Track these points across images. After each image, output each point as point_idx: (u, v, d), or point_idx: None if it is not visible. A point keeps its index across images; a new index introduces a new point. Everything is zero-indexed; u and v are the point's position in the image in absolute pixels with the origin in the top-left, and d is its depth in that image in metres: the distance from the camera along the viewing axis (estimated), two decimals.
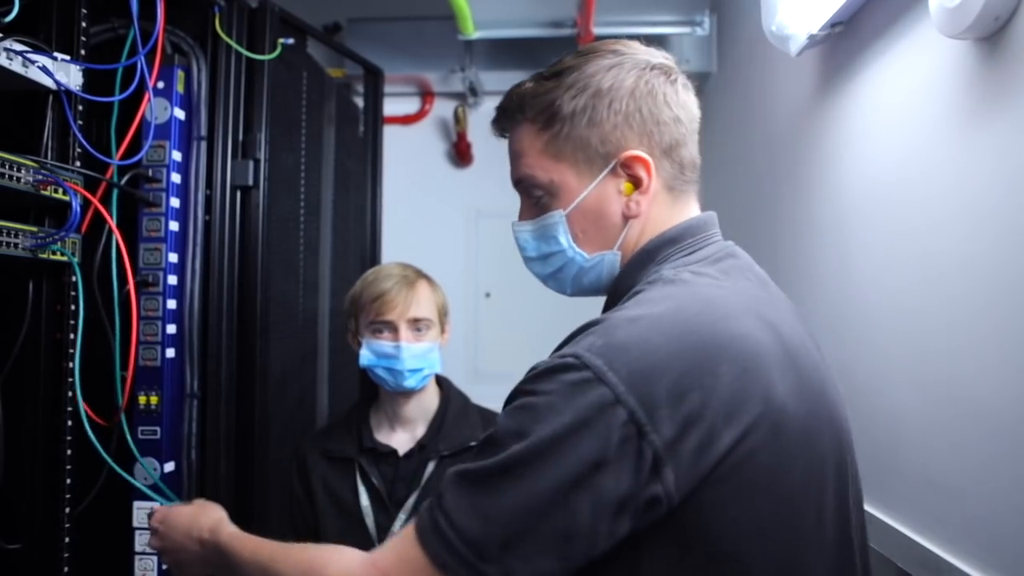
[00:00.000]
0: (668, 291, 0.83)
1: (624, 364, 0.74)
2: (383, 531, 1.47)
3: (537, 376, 0.78)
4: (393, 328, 1.51)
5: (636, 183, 0.89)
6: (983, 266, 0.91)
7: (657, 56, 0.92)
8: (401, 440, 1.55)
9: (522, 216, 0.96)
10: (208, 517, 1.10)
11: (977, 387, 0.92)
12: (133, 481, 1.29)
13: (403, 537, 0.80)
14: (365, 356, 1.53)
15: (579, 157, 0.89)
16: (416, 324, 1.53)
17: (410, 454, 1.53)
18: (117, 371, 1.26)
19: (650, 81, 0.89)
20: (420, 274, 1.59)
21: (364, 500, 1.50)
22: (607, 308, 0.91)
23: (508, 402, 0.80)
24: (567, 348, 0.79)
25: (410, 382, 1.51)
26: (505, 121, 0.95)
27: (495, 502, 0.75)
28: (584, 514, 0.73)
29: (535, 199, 0.93)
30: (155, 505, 1.24)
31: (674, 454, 0.72)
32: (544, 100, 0.90)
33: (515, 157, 0.94)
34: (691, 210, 0.94)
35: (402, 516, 1.47)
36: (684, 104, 0.91)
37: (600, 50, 0.91)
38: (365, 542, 1.43)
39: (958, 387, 0.96)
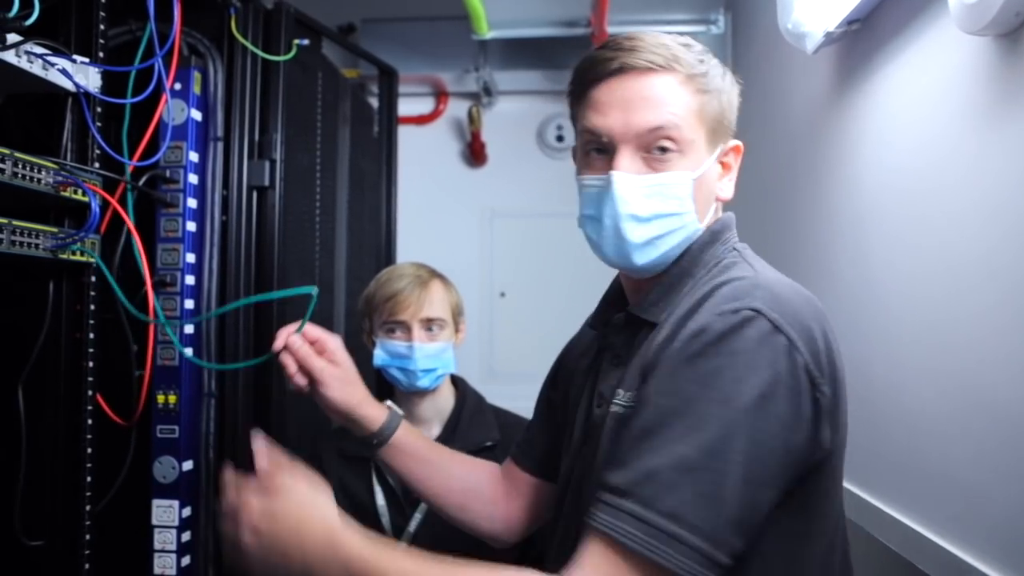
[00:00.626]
0: (760, 265, 0.87)
1: (792, 319, 0.76)
2: (399, 531, 1.48)
3: (718, 338, 0.74)
4: (406, 328, 1.52)
5: (726, 169, 0.95)
6: (1002, 262, 0.90)
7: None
8: None
9: (626, 168, 0.87)
10: (320, 522, 0.83)
11: (998, 383, 0.91)
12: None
13: (597, 558, 0.71)
14: (379, 356, 1.53)
15: (713, 129, 0.91)
16: (429, 324, 1.53)
17: None
18: (203, 360, 1.27)
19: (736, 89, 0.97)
20: (434, 274, 1.59)
21: (380, 499, 1.50)
22: (676, 280, 0.88)
23: (669, 365, 0.76)
24: (734, 304, 0.76)
25: (423, 382, 1.52)
26: (655, 63, 0.87)
27: (725, 482, 0.70)
28: (787, 472, 0.72)
29: (664, 152, 0.88)
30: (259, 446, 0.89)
31: (828, 407, 0.76)
32: (699, 67, 0.90)
33: (659, 102, 0.87)
34: None
35: (418, 516, 1.48)
36: None
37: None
38: None
39: (978, 383, 0.95)
